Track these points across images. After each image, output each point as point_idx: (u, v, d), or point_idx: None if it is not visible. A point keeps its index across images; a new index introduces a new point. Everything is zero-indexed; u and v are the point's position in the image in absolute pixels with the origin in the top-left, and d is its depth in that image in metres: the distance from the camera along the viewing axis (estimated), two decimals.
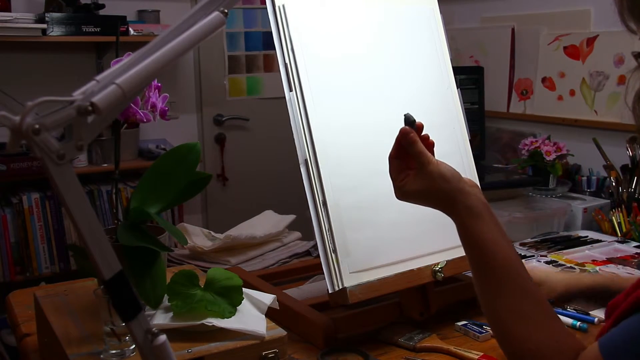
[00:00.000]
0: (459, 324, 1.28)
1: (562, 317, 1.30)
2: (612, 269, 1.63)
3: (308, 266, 1.58)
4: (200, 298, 1.01)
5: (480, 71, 2.99)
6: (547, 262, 1.68)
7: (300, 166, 1.20)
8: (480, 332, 1.24)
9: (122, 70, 0.67)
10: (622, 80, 2.52)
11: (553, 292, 1.12)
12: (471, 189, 0.87)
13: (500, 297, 0.81)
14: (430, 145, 0.95)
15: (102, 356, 0.96)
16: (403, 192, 0.92)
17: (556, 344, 0.78)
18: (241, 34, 3.58)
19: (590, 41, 2.64)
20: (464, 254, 1.30)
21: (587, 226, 2.11)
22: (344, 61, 1.28)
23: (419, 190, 0.90)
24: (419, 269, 1.25)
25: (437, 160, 0.90)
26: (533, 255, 1.74)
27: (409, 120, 0.95)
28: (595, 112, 2.62)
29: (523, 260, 1.69)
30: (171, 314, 1.02)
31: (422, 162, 0.89)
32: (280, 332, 1.03)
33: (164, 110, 1.08)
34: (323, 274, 1.18)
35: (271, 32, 1.22)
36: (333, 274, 1.17)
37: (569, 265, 1.66)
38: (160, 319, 1.01)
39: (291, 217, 1.88)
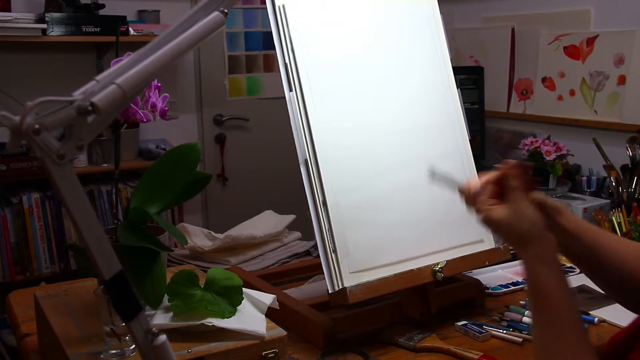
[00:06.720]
0: (459, 324, 1.28)
1: None
2: None
3: (308, 266, 1.58)
4: (200, 298, 1.01)
5: (480, 71, 3.00)
6: None
7: (300, 166, 1.20)
8: (480, 332, 1.24)
9: (122, 70, 0.67)
10: (622, 80, 2.52)
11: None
12: (549, 238, 0.89)
13: (554, 343, 0.83)
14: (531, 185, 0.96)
15: (102, 356, 0.96)
16: (487, 216, 0.92)
17: None
18: (241, 34, 3.58)
19: (590, 41, 2.64)
20: (464, 254, 1.31)
21: None
22: (344, 61, 1.28)
23: (501, 221, 0.91)
24: (419, 269, 1.25)
25: (530, 202, 0.91)
26: None
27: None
28: (595, 112, 2.62)
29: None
30: (171, 314, 1.02)
31: (517, 197, 0.90)
32: (280, 332, 1.03)
33: (164, 110, 1.08)
34: (323, 274, 1.18)
35: (271, 32, 1.22)
36: (333, 274, 1.17)
37: (568, 265, 1.65)
38: (160, 319, 1.01)
39: (291, 217, 1.88)
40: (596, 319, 1.31)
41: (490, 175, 0.94)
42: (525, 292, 0.86)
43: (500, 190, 0.93)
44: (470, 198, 0.97)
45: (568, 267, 1.43)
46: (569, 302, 0.84)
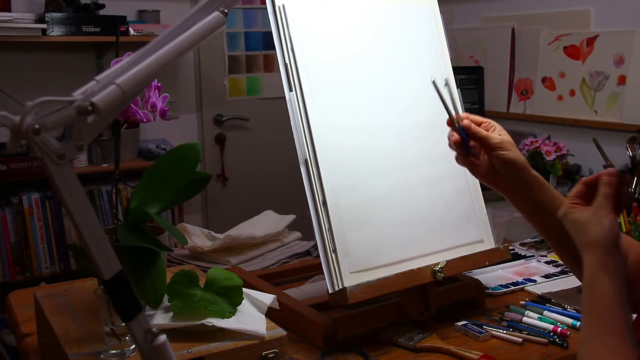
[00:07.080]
0: (459, 324, 1.28)
1: (561, 317, 1.31)
2: None
3: (308, 266, 1.58)
4: (200, 298, 1.01)
5: (480, 71, 2.99)
6: (547, 262, 1.68)
7: (300, 166, 1.20)
8: (480, 332, 1.24)
9: (122, 70, 0.67)
10: (622, 80, 2.52)
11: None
12: (619, 253, 0.89)
13: (602, 350, 0.83)
14: (622, 196, 0.95)
15: (102, 356, 0.96)
16: (567, 213, 0.93)
17: None
18: (241, 34, 3.58)
19: (590, 41, 2.64)
20: (464, 254, 1.31)
21: None
22: (344, 61, 1.28)
23: (578, 221, 0.91)
24: (419, 269, 1.25)
25: (614, 212, 0.91)
26: (533, 255, 1.74)
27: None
28: (595, 112, 2.62)
29: (523, 260, 1.69)
30: (171, 314, 1.02)
31: (602, 205, 0.90)
32: (280, 332, 1.03)
33: (164, 110, 1.08)
34: (323, 274, 1.18)
35: (271, 32, 1.22)
36: (333, 274, 1.17)
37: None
38: (160, 319, 1.01)
39: (291, 217, 1.88)
40: None
41: (587, 177, 0.95)
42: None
43: (589, 193, 0.93)
44: (455, 139, 1.04)
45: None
46: (625, 313, 0.84)
